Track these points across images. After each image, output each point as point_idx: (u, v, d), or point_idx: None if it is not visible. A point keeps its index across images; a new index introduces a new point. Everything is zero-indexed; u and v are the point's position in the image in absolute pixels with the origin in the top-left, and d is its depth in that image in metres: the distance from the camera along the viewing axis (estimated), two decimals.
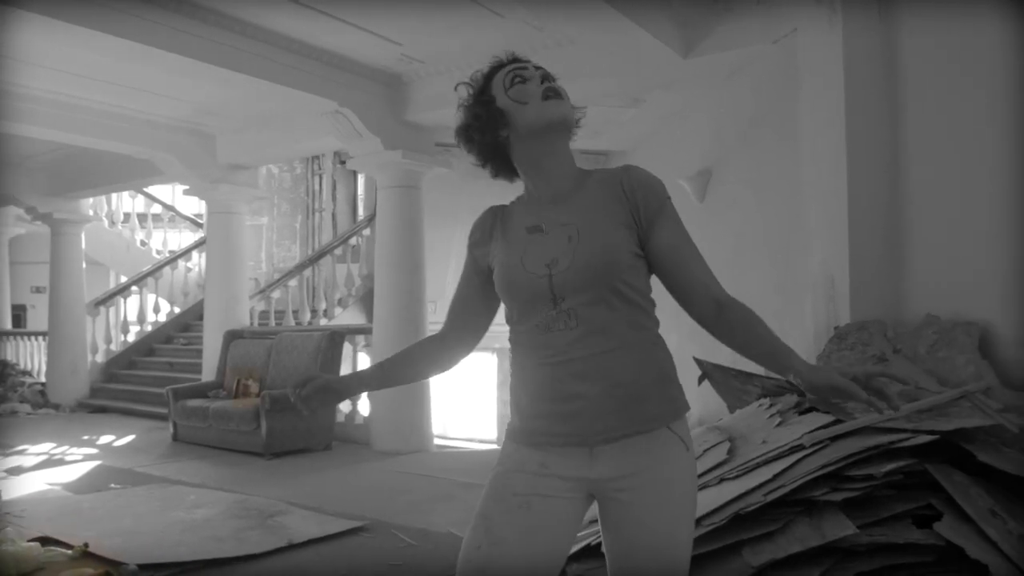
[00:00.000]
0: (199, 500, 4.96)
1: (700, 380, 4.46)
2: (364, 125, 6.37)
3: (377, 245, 7.02)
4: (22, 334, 12.12)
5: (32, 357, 11.73)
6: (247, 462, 6.39)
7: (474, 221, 1.75)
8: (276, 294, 9.71)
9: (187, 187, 8.52)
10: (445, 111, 6.40)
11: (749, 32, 4.87)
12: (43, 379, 10.93)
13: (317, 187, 13.38)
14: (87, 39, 5.15)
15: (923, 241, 3.74)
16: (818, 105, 4.13)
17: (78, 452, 7.00)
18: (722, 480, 2.98)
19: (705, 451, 3.43)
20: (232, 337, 7.96)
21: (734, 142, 5.76)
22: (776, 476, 2.73)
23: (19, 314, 13.82)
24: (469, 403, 11.62)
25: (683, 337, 6.09)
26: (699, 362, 4.45)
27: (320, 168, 13.22)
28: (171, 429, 7.43)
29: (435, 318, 7.25)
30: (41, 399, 10.24)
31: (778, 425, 3.34)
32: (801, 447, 2.88)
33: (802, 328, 4.26)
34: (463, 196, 7.79)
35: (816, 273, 4.10)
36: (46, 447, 7.24)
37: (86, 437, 7.81)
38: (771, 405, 3.67)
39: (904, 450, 2.66)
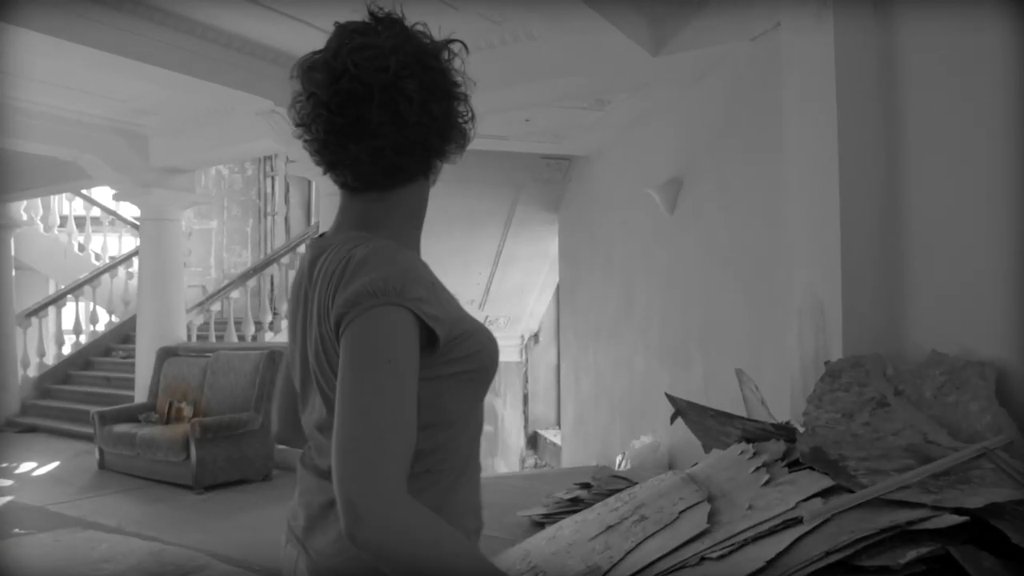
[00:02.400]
0: (110, 551, 4.38)
1: (673, 418, 3.99)
2: None
3: None
4: None
5: None
6: (175, 497, 5.81)
7: (409, 269, 1.09)
8: (216, 307, 9.08)
9: (116, 191, 7.87)
10: None
11: (725, 28, 4.41)
12: None
13: (269, 190, 12.80)
14: (9, 34, 4.70)
15: (927, 264, 3.29)
16: (805, 109, 3.68)
17: None
18: (703, 559, 2.50)
19: (680, 513, 2.95)
20: (166, 355, 7.35)
21: (706, 149, 5.31)
22: (771, 562, 2.25)
23: None
24: None
25: (651, 360, 5.59)
26: (672, 399, 3.97)
27: (272, 170, 12.64)
28: (97, 456, 6.82)
29: None
30: None
31: (766, 483, 2.87)
32: (797, 521, 2.41)
33: (784, 362, 3.81)
34: (440, 203, 7.25)
35: (802, 298, 3.64)
36: None
37: (4, 465, 7.15)
38: (755, 454, 3.21)
39: (924, 532, 2.19)
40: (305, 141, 1.16)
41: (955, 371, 3.01)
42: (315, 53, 1.15)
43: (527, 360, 10.66)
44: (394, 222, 1.19)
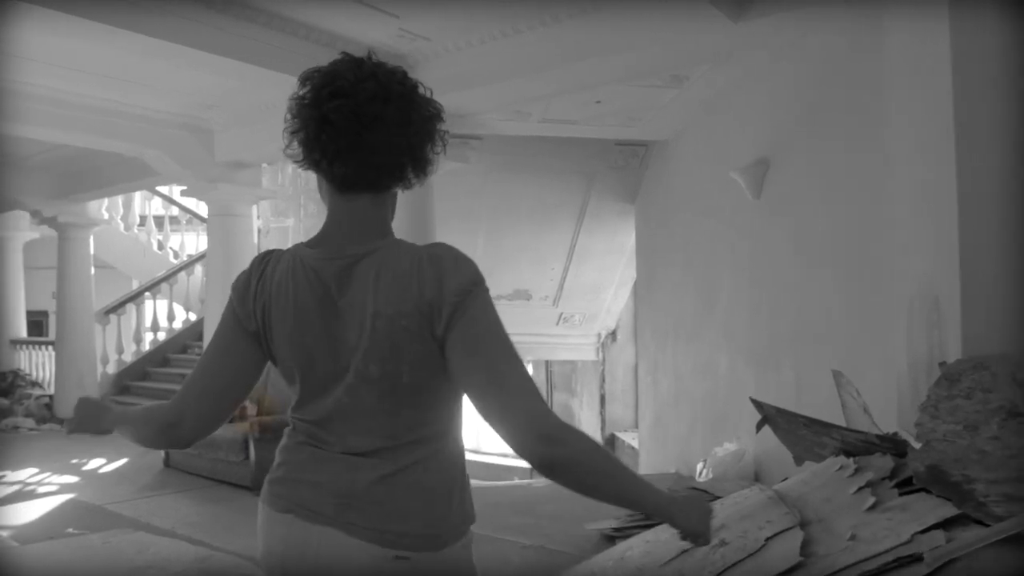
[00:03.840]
0: (155, 556, 4.18)
1: (759, 425, 3.54)
2: None
3: None
4: (36, 343, 11.59)
5: (44, 368, 11.18)
6: (233, 498, 5.62)
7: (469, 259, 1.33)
8: None
9: (184, 187, 7.80)
10: (457, 95, 5.56)
11: None
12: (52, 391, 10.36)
13: None
14: (76, 28, 4.71)
15: None
16: (915, 81, 3.18)
17: (57, 481, 6.32)
18: None
19: (768, 540, 2.52)
20: None
21: (797, 125, 4.80)
22: None
23: (40, 320, 13.35)
24: None
25: (736, 361, 5.07)
26: (758, 404, 3.52)
27: None
28: (163, 454, 6.73)
29: None
30: (47, 413, 9.67)
31: (871, 508, 2.41)
32: (915, 559, 1.95)
33: (891, 364, 3.31)
34: (484, 197, 6.94)
35: (913, 292, 3.14)
36: (26, 473, 6.58)
37: (75, 461, 7.14)
38: (857, 470, 2.75)
39: None
40: (304, 132, 1.32)
41: None
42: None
43: (604, 359, 10.20)
44: (389, 226, 1.38)
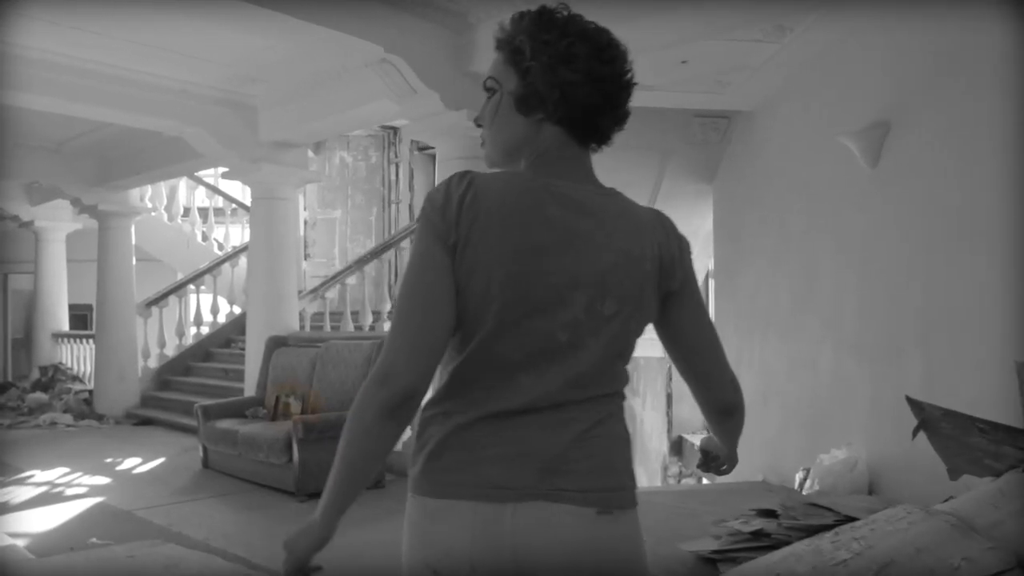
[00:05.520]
0: (185, 575, 3.64)
1: (915, 431, 2.85)
2: (418, 76, 4.95)
3: None
4: (78, 336, 11.27)
5: (86, 362, 10.86)
6: (275, 504, 5.09)
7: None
8: (331, 293, 8.43)
9: (226, 169, 7.31)
10: None
11: None
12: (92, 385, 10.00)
13: (393, 177, 12.23)
14: None
15: None
16: None
17: (87, 482, 5.85)
18: None
19: None
20: (275, 345, 6.71)
21: (926, 81, 4.09)
22: None
23: (84, 314, 13.05)
24: None
25: (843, 356, 4.30)
26: (915, 403, 2.83)
27: (397, 156, 12.09)
28: (201, 454, 6.24)
29: None
30: (86, 408, 9.30)
31: None
32: None
33: None
34: None
35: None
36: (57, 473, 6.14)
37: (109, 460, 6.69)
38: None
39: None
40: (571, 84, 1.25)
41: None
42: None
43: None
44: None
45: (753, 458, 6.09)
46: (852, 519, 3.43)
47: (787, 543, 3.45)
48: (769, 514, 3.82)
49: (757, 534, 3.61)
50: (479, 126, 1.35)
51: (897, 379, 4.29)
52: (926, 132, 4.10)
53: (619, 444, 1.25)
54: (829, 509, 3.57)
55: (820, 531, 3.36)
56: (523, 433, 1.18)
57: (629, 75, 1.31)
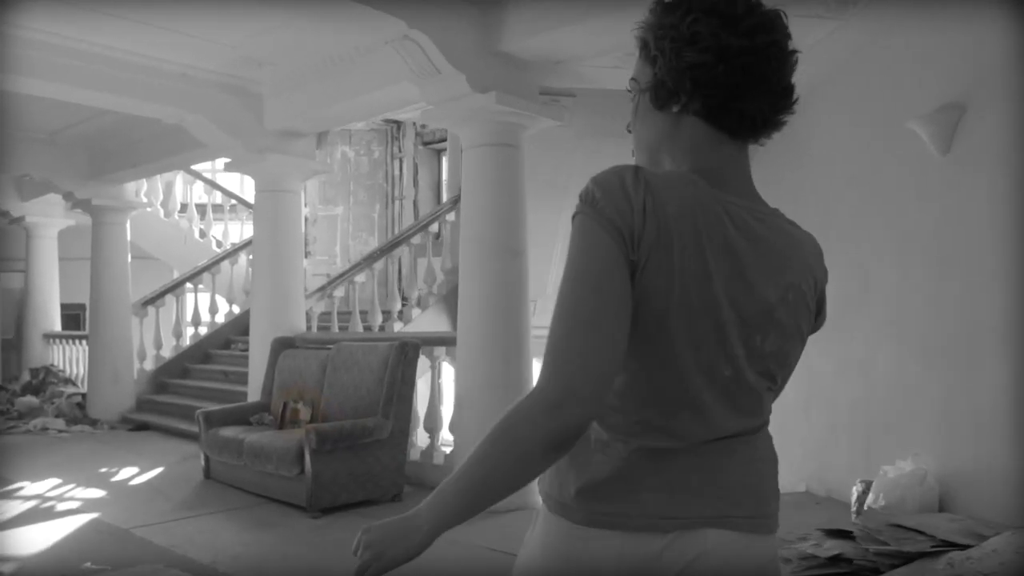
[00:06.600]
0: None
1: None
2: (443, 55, 4.55)
3: (463, 223, 5.19)
4: (70, 337, 10.83)
5: (79, 363, 10.43)
6: (286, 520, 4.68)
7: None
8: (339, 292, 8.02)
9: (228, 160, 6.89)
10: (555, 35, 4.56)
11: None
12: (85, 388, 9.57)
13: (397, 172, 11.83)
14: None
15: None
16: None
17: (80, 495, 5.43)
18: None
19: None
20: (281, 346, 6.30)
21: (1003, 63, 3.71)
22: None
23: (77, 314, 12.60)
24: None
25: (905, 359, 3.92)
26: None
27: (400, 151, 11.69)
28: (203, 463, 5.83)
29: (538, 321, 5.40)
30: (78, 413, 8.87)
31: None
32: None
33: None
34: (577, 159, 5.93)
35: None
36: (48, 485, 5.72)
37: (103, 470, 6.28)
38: None
39: None
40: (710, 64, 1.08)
41: None
42: None
43: None
44: None
45: (794, 467, 5.69)
46: (951, 544, 3.05)
47: (874, 570, 3.07)
48: (842, 534, 3.44)
49: (835, 560, 3.23)
50: (630, 132, 1.23)
51: (972, 384, 3.92)
52: (1004, 118, 3.72)
53: (772, 468, 1.22)
54: (919, 532, 3.19)
55: (917, 558, 2.98)
56: (683, 463, 1.13)
57: (776, 46, 1.09)
